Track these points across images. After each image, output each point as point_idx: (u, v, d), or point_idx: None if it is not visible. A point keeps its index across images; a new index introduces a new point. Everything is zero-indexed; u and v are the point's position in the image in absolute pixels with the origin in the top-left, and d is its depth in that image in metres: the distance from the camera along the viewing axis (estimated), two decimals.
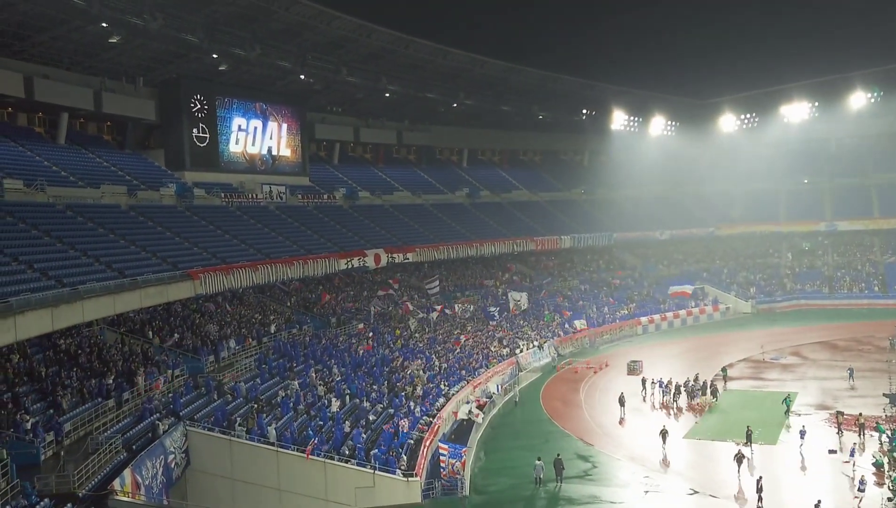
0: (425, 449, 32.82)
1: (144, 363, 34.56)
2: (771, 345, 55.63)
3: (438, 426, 36.16)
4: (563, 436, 38.44)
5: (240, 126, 56.18)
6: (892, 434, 32.96)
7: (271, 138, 58.96)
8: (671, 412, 41.55)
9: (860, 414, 35.67)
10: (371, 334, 49.05)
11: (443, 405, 39.53)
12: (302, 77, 56.18)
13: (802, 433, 33.70)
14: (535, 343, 56.21)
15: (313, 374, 39.83)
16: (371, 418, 36.15)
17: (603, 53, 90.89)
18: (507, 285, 67.68)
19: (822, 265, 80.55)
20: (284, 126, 60.12)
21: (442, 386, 42.34)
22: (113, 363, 33.55)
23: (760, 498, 27.64)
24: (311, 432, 32.45)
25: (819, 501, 25.91)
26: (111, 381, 31.71)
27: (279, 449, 30.59)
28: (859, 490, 27.43)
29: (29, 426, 25.90)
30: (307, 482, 30.47)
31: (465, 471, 31.94)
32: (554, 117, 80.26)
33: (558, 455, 32.49)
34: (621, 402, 41.20)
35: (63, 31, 41.83)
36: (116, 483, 24.25)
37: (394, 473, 30.18)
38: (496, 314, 58.78)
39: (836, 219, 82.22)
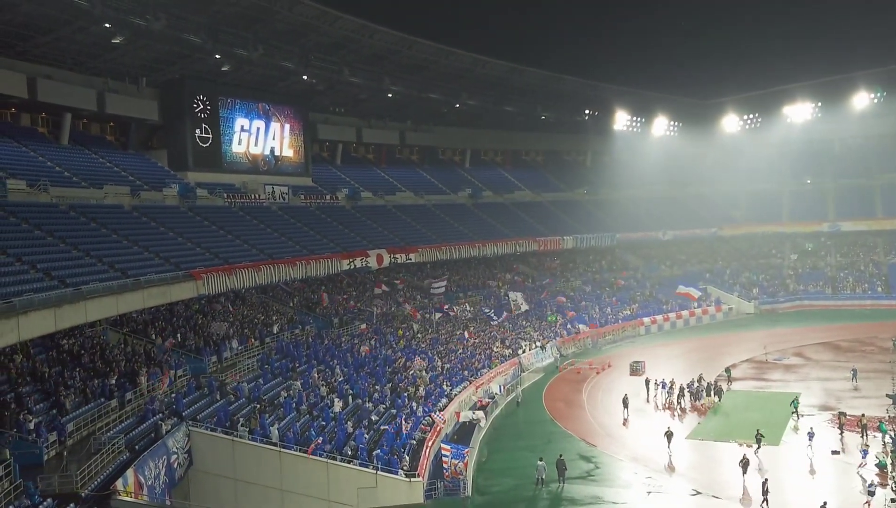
0: (427, 450, 32.83)
1: (147, 364, 34.58)
2: (774, 346, 55.56)
3: (440, 427, 36.16)
4: (566, 437, 38.42)
5: (242, 127, 56.25)
6: (895, 435, 32.87)
7: (274, 139, 59.03)
8: (675, 413, 41.48)
9: (863, 415, 35.60)
10: (374, 334, 49.04)
11: (445, 406, 39.52)
12: (305, 78, 56.23)
13: (811, 436, 33.45)
14: (538, 344, 56.18)
15: (315, 374, 39.84)
16: (373, 418, 36.14)
17: (606, 54, 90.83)
18: (510, 286, 67.63)
19: (825, 266, 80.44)
20: (287, 127, 60.17)
21: (444, 387, 42.33)
22: (116, 363, 33.56)
23: (766, 501, 27.55)
24: (313, 432, 32.44)
25: (825, 503, 25.86)
26: (114, 381, 31.74)
27: (282, 450, 30.58)
28: (869, 493, 27.25)
29: (32, 426, 25.91)
30: (310, 482, 30.47)
31: (467, 472, 31.93)
32: (557, 118, 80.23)
33: (561, 455, 32.47)
34: (625, 403, 41.16)
35: (66, 31, 41.89)
36: (119, 484, 24.25)
37: (396, 473, 30.18)
38: (493, 316, 58.68)
39: (840, 219, 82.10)
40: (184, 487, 30.40)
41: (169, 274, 36.81)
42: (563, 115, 79.65)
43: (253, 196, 54.77)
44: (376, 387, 39.95)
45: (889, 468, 29.90)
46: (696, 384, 43.12)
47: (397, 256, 57.09)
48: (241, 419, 31.96)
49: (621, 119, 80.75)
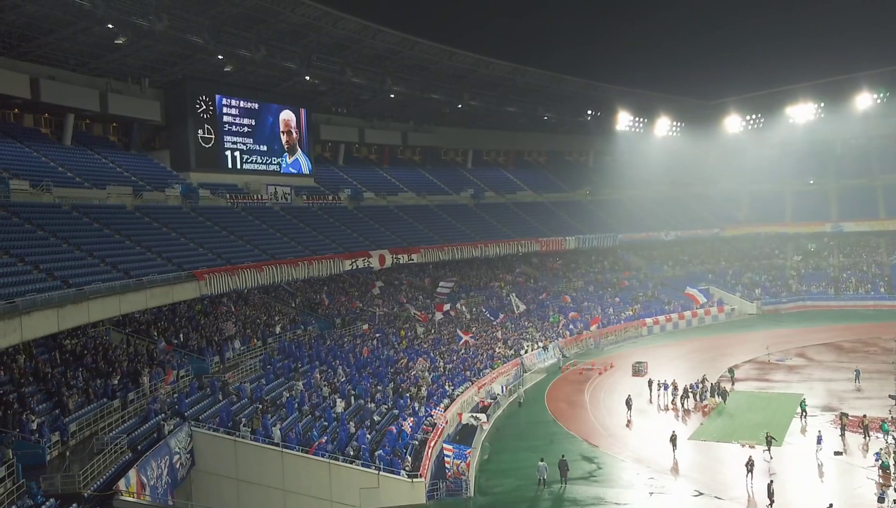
0: (430, 450, 32.83)
1: (150, 364, 34.62)
2: (776, 346, 55.51)
3: (442, 428, 36.15)
4: (568, 437, 38.40)
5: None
6: None
7: (276, 139, 59.06)
8: (678, 414, 41.38)
9: (864, 416, 35.56)
10: (377, 334, 49.06)
11: (448, 406, 39.52)
12: (307, 78, 56.29)
13: (819, 439, 33.19)
14: (540, 344, 56.16)
15: (318, 375, 39.86)
16: (376, 418, 36.15)
17: (608, 54, 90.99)
18: (512, 287, 67.61)
19: (827, 267, 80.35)
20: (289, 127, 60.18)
21: (447, 387, 42.34)
22: (118, 363, 33.60)
23: (772, 503, 27.41)
24: (315, 433, 32.46)
25: (831, 504, 25.82)
26: (116, 381, 31.78)
27: (284, 450, 30.59)
28: (879, 500, 27.08)
29: (35, 426, 25.95)
30: (312, 482, 30.48)
31: (469, 472, 31.93)
32: (559, 118, 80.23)
33: (563, 456, 32.45)
34: (628, 405, 41.03)
35: (69, 32, 41.98)
36: (122, 484, 24.27)
37: (398, 474, 30.18)
38: (490, 317, 58.55)
39: (842, 220, 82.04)
40: (186, 487, 30.42)
41: (171, 274, 36.87)
42: (565, 115, 79.63)
43: (255, 197, 54.83)
44: (378, 387, 39.96)
45: (892, 469, 29.84)
46: (700, 386, 43.04)
47: (399, 256, 57.11)
48: (243, 420, 31.97)
49: (624, 119, 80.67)
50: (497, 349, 52.35)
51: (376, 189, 67.48)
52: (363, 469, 30.30)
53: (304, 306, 51.93)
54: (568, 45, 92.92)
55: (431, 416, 36.91)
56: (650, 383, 44.85)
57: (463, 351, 49.95)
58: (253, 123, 56.93)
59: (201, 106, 52.78)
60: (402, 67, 61.00)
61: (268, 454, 30.62)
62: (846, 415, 36.14)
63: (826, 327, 64.35)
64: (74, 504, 22.50)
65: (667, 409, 42.50)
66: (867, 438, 34.31)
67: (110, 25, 41.38)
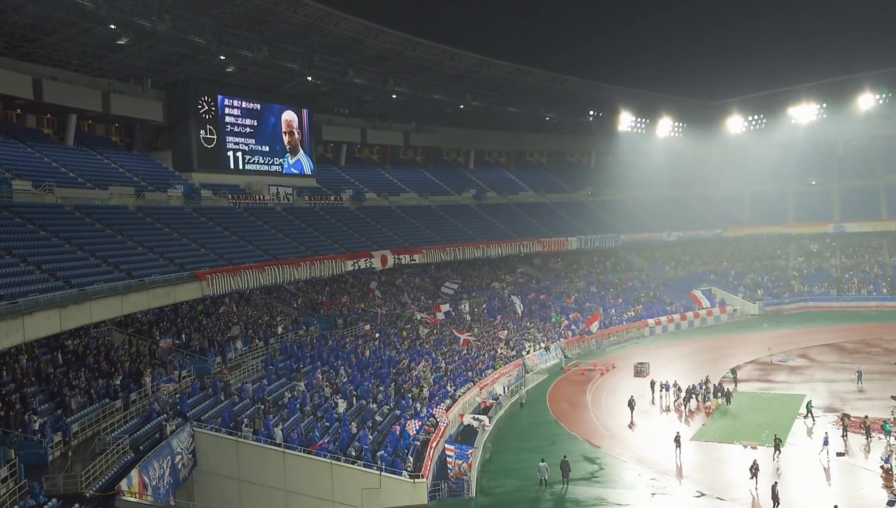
0: (431, 451, 32.82)
1: (152, 364, 34.65)
2: (778, 347, 55.42)
3: (444, 428, 36.14)
4: (570, 438, 38.38)
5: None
6: None
7: (278, 140, 59.09)
8: (682, 415, 41.26)
9: (866, 417, 35.51)
10: (378, 335, 49.08)
11: (449, 407, 39.50)
12: (309, 79, 56.31)
13: (826, 441, 32.96)
14: (542, 345, 56.14)
15: (320, 375, 39.88)
16: (378, 419, 36.16)
17: (610, 55, 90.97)
18: (514, 288, 67.62)
19: (830, 267, 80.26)
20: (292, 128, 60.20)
21: (448, 387, 42.33)
22: (120, 363, 33.65)
23: (776, 505, 27.29)
24: (317, 433, 32.47)
25: (836, 506, 25.78)
26: (119, 382, 31.81)
27: (286, 450, 30.62)
28: (889, 504, 27.00)
29: (37, 426, 25.99)
30: (314, 483, 30.51)
31: (471, 472, 31.92)
32: (561, 119, 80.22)
33: (565, 456, 32.44)
34: (631, 406, 40.90)
35: (71, 33, 42.03)
36: (124, 484, 24.30)
37: (400, 474, 30.19)
38: (490, 317, 58.53)
39: (845, 221, 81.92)
40: (188, 487, 30.45)
41: (174, 275, 36.91)
42: (567, 116, 79.63)
43: (257, 197, 54.86)
44: (380, 388, 39.97)
45: (895, 470, 29.79)
46: (703, 387, 42.97)
47: (401, 257, 57.10)
48: (245, 420, 32.00)
49: (626, 120, 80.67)
50: (499, 350, 52.34)
51: (378, 190, 67.51)
52: (365, 470, 30.32)
53: (306, 306, 51.95)
54: (570, 46, 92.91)
55: (434, 416, 36.89)
56: (652, 384, 44.78)
57: (465, 351, 49.95)
58: (255, 124, 56.95)
59: (203, 106, 52.81)
60: (404, 67, 61.02)
61: (270, 454, 30.65)
62: (848, 416, 36.08)
63: (828, 327, 64.29)
64: (76, 505, 22.53)
65: (668, 410, 42.46)
66: (869, 439, 34.25)
67: (113, 26, 41.42)
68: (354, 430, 33.87)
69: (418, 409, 37.83)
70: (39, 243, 33.52)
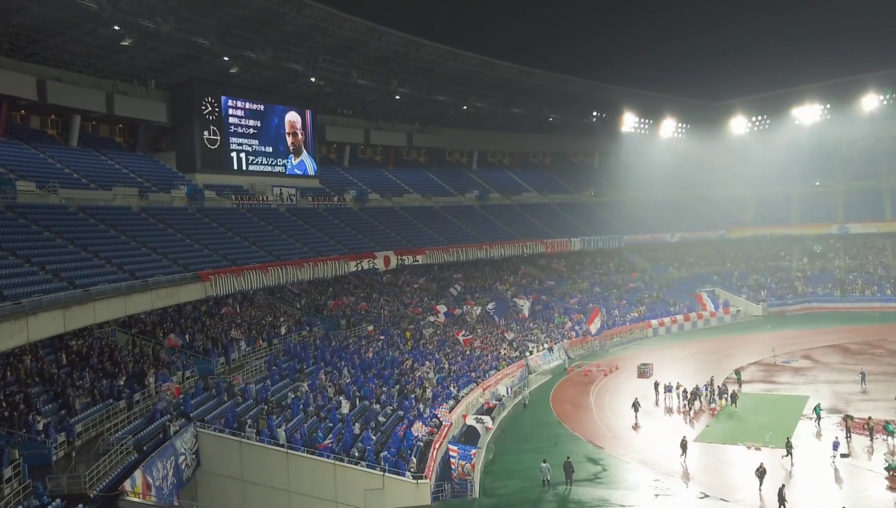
0: (435, 452, 32.83)
1: (155, 365, 34.70)
2: (782, 348, 55.33)
3: (447, 428, 36.16)
4: (573, 439, 38.35)
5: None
6: None
7: (281, 141, 59.15)
8: (687, 417, 41.13)
9: (869, 418, 35.42)
10: (382, 335, 49.10)
11: (452, 408, 39.51)
12: (312, 80, 56.34)
13: (836, 445, 32.76)
14: (545, 346, 56.12)
15: (323, 376, 39.90)
16: (381, 420, 36.17)
17: (613, 55, 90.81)
18: (517, 289, 67.58)
19: (833, 268, 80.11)
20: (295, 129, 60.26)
21: (451, 388, 42.33)
22: (124, 364, 33.71)
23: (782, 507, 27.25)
24: (320, 434, 32.49)
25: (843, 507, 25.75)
26: (122, 382, 31.86)
27: (289, 451, 30.65)
28: None
29: (41, 426, 26.05)
30: (317, 483, 30.52)
31: (474, 473, 31.92)
32: (564, 119, 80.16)
33: (568, 457, 32.44)
34: (635, 407, 40.78)
35: (76, 34, 42.13)
36: (127, 484, 24.35)
37: (403, 475, 30.20)
38: (495, 316, 58.46)
39: (849, 222, 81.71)
40: (191, 488, 30.48)
41: (177, 275, 36.96)
42: (570, 116, 79.56)
43: (261, 198, 54.92)
44: (384, 389, 39.98)
45: None
46: (708, 388, 42.86)
47: (404, 257, 57.12)
48: (248, 421, 32.03)
49: (629, 121, 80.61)
50: (502, 351, 52.33)
51: (381, 190, 67.53)
52: (368, 471, 30.35)
53: (310, 307, 51.98)
54: (572, 46, 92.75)
55: (437, 416, 36.91)
56: (656, 385, 44.70)
57: (468, 351, 49.95)
58: (258, 125, 57.04)
59: (207, 107, 52.91)
60: (407, 68, 61.05)
61: (273, 455, 30.69)
62: (851, 417, 35.99)
63: (832, 329, 64.14)
64: (80, 505, 22.58)
65: (670, 411, 42.40)
66: (872, 440, 34.16)
67: (117, 27, 41.50)
68: (358, 431, 33.91)
69: (421, 410, 37.83)
70: (43, 244, 33.60)
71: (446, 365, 46.34)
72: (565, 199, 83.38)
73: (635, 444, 37.14)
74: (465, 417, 39.21)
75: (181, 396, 32.93)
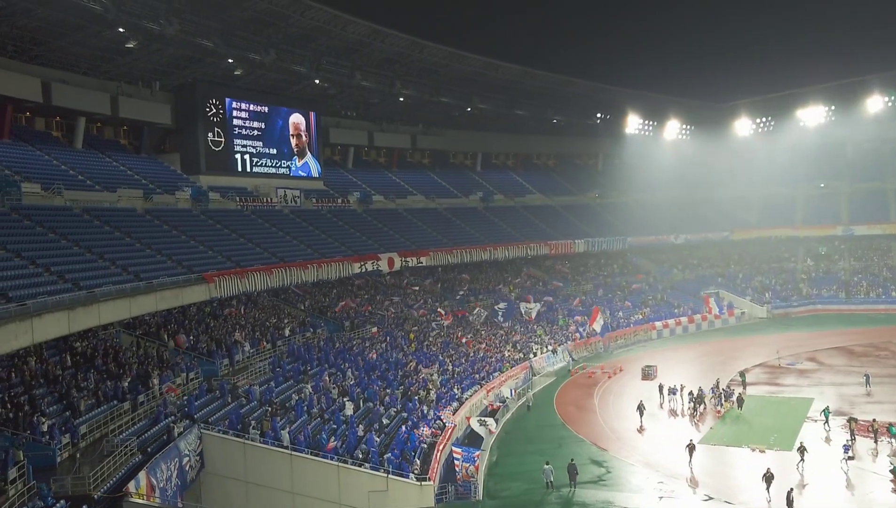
0: (438, 453, 32.81)
1: (160, 366, 34.75)
2: (787, 350, 55.22)
3: (452, 428, 36.15)
4: (577, 441, 38.31)
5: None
6: None
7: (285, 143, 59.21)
8: (693, 419, 40.97)
9: (874, 420, 35.31)
10: (386, 337, 49.10)
11: (456, 410, 39.50)
12: (316, 82, 56.42)
13: (846, 448, 32.47)
14: (549, 348, 56.06)
15: (327, 377, 39.89)
16: (385, 421, 36.16)
17: (618, 57, 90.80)
18: (521, 290, 67.54)
19: (838, 270, 79.94)
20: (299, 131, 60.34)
21: (455, 390, 42.31)
22: (128, 365, 33.75)
23: None
24: (324, 435, 32.50)
25: None
26: (127, 384, 31.91)
27: (293, 453, 30.65)
28: None
29: (45, 427, 26.09)
30: (320, 485, 30.52)
31: (478, 475, 31.90)
32: (568, 121, 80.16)
33: (572, 459, 32.39)
34: (640, 410, 40.61)
35: (80, 36, 42.20)
36: (131, 486, 24.36)
37: (407, 477, 30.18)
38: (501, 319, 58.42)
39: (853, 223, 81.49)
40: (195, 489, 30.50)
41: (181, 277, 36.99)
42: (574, 118, 79.56)
43: (265, 199, 54.98)
44: (387, 390, 39.98)
45: None
46: (714, 390, 42.76)
47: (408, 259, 57.13)
48: (252, 422, 32.04)
49: (633, 122, 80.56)
50: (506, 353, 52.30)
51: (385, 192, 67.56)
52: (372, 472, 30.33)
53: (314, 308, 52.01)
54: (576, 47, 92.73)
55: (440, 418, 36.89)
56: (661, 387, 44.60)
57: (472, 353, 49.92)
58: (263, 127, 57.12)
59: (211, 109, 53.00)
60: (411, 70, 61.11)
61: (277, 456, 30.68)
62: (855, 420, 35.90)
63: (837, 331, 64.00)
64: (84, 506, 22.60)
65: (675, 414, 42.30)
66: (877, 443, 34.06)
67: (121, 29, 41.59)
68: (361, 432, 33.89)
69: (425, 412, 37.81)
70: (48, 246, 33.67)
71: (450, 367, 46.32)
72: (569, 201, 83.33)
73: (639, 446, 37.07)
74: (468, 419, 39.18)
75: (184, 398, 32.97)
